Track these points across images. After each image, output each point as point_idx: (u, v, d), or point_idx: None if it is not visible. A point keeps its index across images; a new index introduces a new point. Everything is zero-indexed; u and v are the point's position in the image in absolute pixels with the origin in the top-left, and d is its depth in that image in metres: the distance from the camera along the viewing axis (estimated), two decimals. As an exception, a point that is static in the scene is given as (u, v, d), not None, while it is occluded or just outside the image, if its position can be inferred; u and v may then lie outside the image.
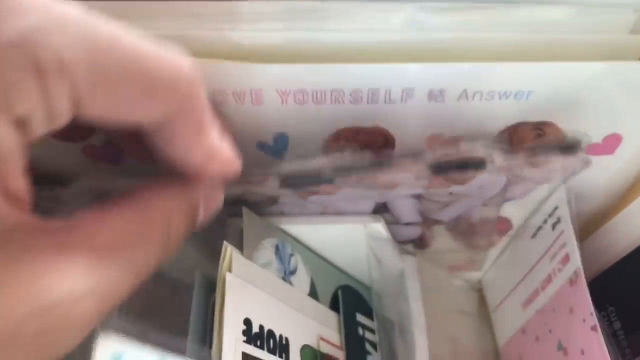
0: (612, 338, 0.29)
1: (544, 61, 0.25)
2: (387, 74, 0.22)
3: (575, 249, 0.26)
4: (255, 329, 0.25)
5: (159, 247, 0.17)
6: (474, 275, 0.36)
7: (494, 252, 0.34)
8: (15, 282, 0.13)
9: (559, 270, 0.27)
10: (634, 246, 0.28)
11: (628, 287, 0.28)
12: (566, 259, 0.26)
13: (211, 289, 0.25)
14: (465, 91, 0.23)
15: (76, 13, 0.13)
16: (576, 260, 0.26)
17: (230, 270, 0.25)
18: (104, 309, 0.14)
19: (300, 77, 0.22)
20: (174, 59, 0.15)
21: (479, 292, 0.36)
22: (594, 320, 0.24)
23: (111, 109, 0.14)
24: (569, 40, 0.25)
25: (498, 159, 0.24)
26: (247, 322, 0.25)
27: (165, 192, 0.17)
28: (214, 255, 0.26)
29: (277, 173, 0.25)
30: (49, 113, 0.13)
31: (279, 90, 0.23)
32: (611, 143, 0.26)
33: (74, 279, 0.13)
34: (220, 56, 0.22)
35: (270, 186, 0.27)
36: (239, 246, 0.27)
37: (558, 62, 0.23)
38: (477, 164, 0.25)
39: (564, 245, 0.27)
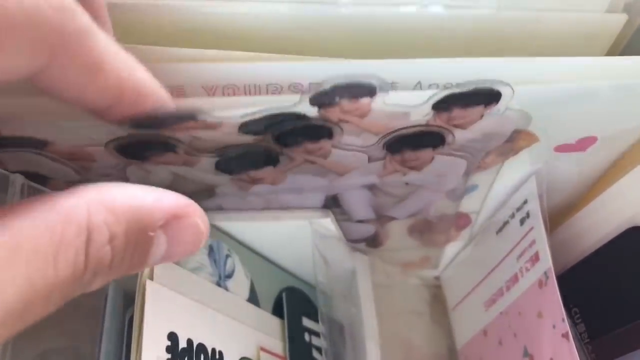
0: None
1: (519, 40, 0.22)
2: (331, 69, 0.19)
3: (546, 248, 0.23)
4: (182, 344, 0.21)
5: (71, 275, 0.12)
6: (430, 273, 0.33)
7: (453, 248, 0.32)
8: None
9: (527, 270, 0.25)
10: (602, 242, 0.26)
11: (594, 287, 0.26)
12: (536, 258, 0.24)
13: (127, 301, 0.21)
14: (419, 83, 0.20)
15: None
16: (547, 260, 0.23)
17: (151, 277, 0.21)
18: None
19: (229, 74, 0.19)
20: None
21: (435, 290, 0.34)
22: (565, 327, 0.22)
23: None
24: (544, 18, 0.22)
25: (458, 132, 0.21)
26: (172, 336, 0.21)
27: (95, 201, 0.13)
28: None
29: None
30: None
31: (205, 87, 0.20)
32: (585, 144, 0.23)
33: None
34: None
35: (205, 166, 0.23)
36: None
37: (527, 56, 0.21)
38: (434, 139, 0.22)
39: (533, 242, 0.24)
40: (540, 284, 0.23)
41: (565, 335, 0.21)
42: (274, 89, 0.20)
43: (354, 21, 0.22)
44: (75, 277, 0.12)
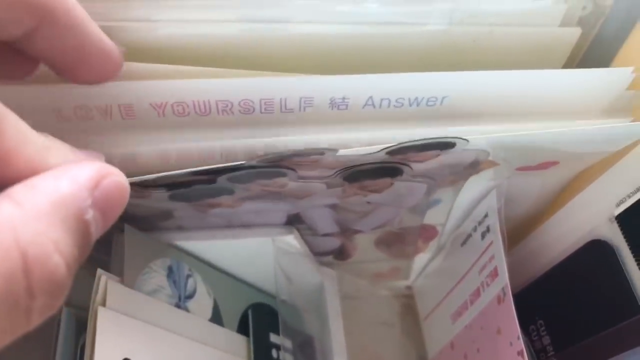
0: (540, 354, 0.27)
1: (468, 56, 0.22)
2: (282, 84, 0.19)
3: (504, 264, 0.23)
4: (139, 369, 0.21)
5: (6, 308, 0.11)
6: (400, 283, 0.33)
7: (423, 258, 0.32)
8: None
9: (487, 284, 0.25)
10: (565, 254, 0.26)
11: (558, 300, 0.26)
12: (495, 274, 0.24)
13: (80, 328, 0.21)
14: (371, 98, 0.20)
15: None
16: (504, 276, 0.23)
17: (104, 304, 0.21)
18: None
19: (178, 91, 0.19)
20: None
21: (405, 300, 0.34)
22: (520, 345, 0.22)
23: None
24: (497, 33, 0.22)
25: (415, 165, 0.21)
26: (127, 363, 0.21)
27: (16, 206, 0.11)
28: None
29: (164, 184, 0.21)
30: None
31: (154, 104, 0.19)
32: (546, 165, 0.23)
33: None
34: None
35: (159, 198, 0.23)
36: (125, 263, 0.23)
37: (472, 69, 0.20)
38: (392, 171, 0.22)
39: (492, 257, 0.24)
40: (499, 300, 0.23)
41: (520, 354, 0.21)
42: (224, 105, 0.20)
43: (306, 39, 0.22)
44: (17, 308, 0.11)
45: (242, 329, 0.28)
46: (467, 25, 0.22)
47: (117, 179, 0.14)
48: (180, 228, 0.26)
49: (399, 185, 0.24)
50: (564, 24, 0.22)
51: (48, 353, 0.21)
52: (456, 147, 0.20)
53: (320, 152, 0.19)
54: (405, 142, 0.19)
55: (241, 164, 0.19)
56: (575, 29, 0.22)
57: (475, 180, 0.25)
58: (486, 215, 0.25)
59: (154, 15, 0.19)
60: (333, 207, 0.26)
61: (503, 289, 0.23)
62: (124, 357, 0.21)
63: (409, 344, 0.32)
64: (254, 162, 0.19)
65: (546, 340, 0.26)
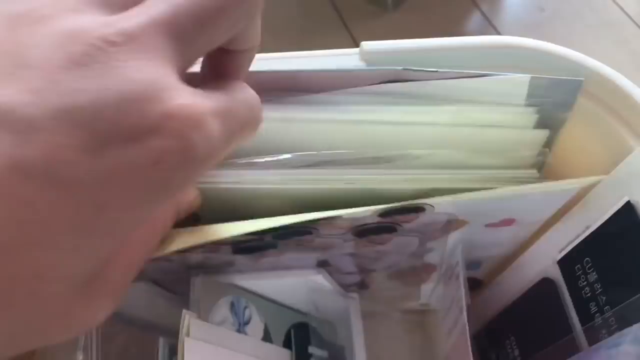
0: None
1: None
2: None
3: (464, 310, 0.31)
4: (213, 383, 0.31)
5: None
6: (413, 303, 0.42)
7: (430, 285, 0.40)
8: None
9: (460, 314, 0.33)
10: (526, 288, 0.33)
11: (524, 322, 0.34)
12: (460, 311, 0.32)
13: (172, 353, 0.30)
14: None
15: None
16: (464, 314, 0.31)
17: (188, 334, 0.30)
18: None
19: None
20: None
21: (417, 317, 0.42)
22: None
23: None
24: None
25: (405, 224, 0.29)
26: (206, 378, 0.30)
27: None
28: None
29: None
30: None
31: None
32: (507, 222, 0.31)
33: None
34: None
35: (225, 251, 0.32)
36: (200, 302, 0.33)
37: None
38: (389, 229, 0.31)
39: (460, 298, 0.32)
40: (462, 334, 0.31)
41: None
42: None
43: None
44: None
45: (287, 343, 0.37)
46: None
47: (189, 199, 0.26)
48: (239, 271, 0.35)
49: (398, 239, 0.32)
50: None
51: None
52: (427, 210, 0.28)
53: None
54: (389, 207, 0.27)
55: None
56: None
57: (455, 235, 0.33)
58: (457, 264, 0.33)
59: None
60: (351, 255, 0.34)
61: (465, 323, 0.31)
62: (205, 373, 0.30)
63: (420, 356, 0.41)
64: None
65: (516, 351, 0.34)
